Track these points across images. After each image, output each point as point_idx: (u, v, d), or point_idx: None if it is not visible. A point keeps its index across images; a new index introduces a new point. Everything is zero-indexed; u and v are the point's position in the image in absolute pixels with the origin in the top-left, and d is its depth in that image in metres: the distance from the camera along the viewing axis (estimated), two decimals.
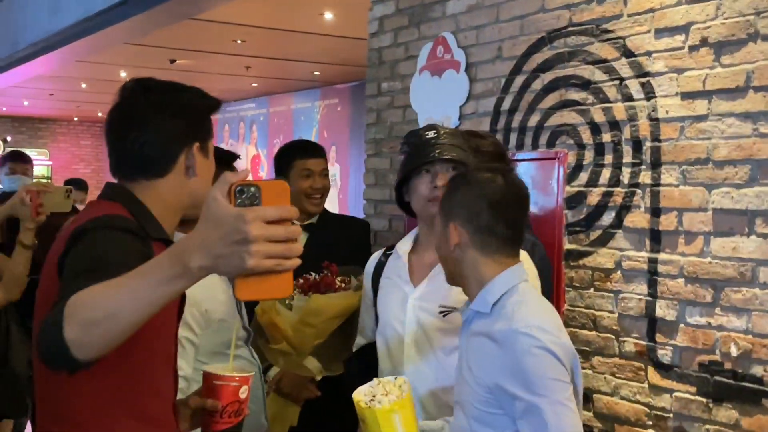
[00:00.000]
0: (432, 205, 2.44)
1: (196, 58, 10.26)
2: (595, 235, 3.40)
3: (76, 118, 19.72)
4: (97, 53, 9.86)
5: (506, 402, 1.91)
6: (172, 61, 10.26)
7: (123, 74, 11.77)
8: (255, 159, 14.54)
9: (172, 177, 1.82)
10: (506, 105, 3.84)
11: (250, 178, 1.29)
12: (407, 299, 2.48)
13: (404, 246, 2.59)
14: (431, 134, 2.49)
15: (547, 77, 3.63)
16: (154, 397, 1.75)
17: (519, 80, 3.77)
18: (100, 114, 18.69)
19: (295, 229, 1.26)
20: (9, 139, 15.66)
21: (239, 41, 9.20)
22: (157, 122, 1.80)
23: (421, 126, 4.23)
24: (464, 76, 4.07)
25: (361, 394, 2.00)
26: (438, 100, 4.21)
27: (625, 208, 3.28)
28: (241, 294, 1.27)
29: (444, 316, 2.29)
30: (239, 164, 2.73)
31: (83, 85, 13.42)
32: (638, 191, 3.23)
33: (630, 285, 3.25)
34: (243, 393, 1.91)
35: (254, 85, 12.82)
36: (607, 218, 3.35)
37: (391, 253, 2.63)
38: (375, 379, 2.04)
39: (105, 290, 1.32)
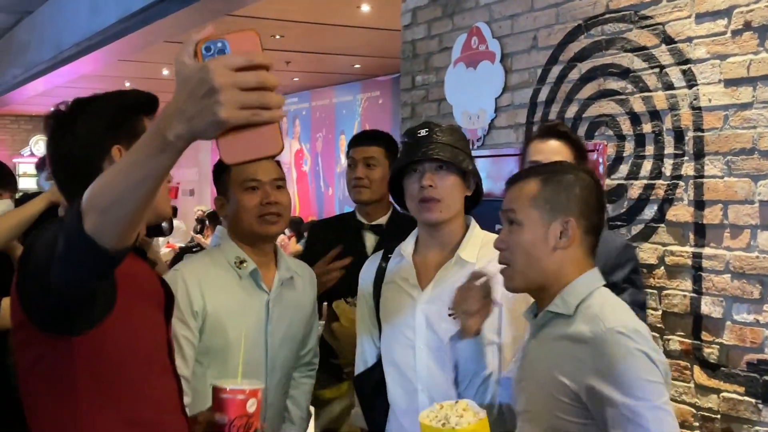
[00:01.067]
0: (423, 207, 2.34)
1: None
2: (636, 229, 3.28)
3: None
4: (138, 52, 9.90)
5: (597, 408, 1.77)
6: None
7: (165, 72, 11.83)
8: (298, 153, 14.53)
9: None
10: (543, 96, 3.73)
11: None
12: (416, 304, 2.37)
13: (407, 248, 2.46)
14: (423, 132, 2.38)
15: (585, 66, 3.51)
16: (142, 403, 1.70)
17: (555, 70, 3.66)
18: None
19: (269, 77, 1.16)
20: None
21: (278, 36, 9.16)
22: (79, 125, 1.74)
23: (457, 120, 4.16)
24: (499, 67, 3.96)
25: (428, 419, 1.83)
26: (473, 93, 4.11)
27: (667, 202, 3.16)
28: (227, 157, 1.18)
29: (454, 318, 2.18)
30: (283, 157, 2.66)
31: (127, 84, 13.49)
32: (681, 183, 3.11)
33: (674, 281, 3.13)
34: (251, 406, 1.83)
35: (295, 79, 12.80)
36: (649, 212, 3.23)
37: (391, 257, 2.51)
38: (435, 404, 1.88)
39: (105, 179, 1.32)
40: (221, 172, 2.58)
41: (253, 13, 7.97)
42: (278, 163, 2.60)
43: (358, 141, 3.43)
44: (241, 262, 2.51)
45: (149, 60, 10.88)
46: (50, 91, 13.19)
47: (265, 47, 1.20)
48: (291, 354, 2.63)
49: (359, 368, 2.54)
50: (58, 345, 1.59)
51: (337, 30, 9.00)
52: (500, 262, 1.95)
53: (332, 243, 3.09)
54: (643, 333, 1.78)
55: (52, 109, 1.81)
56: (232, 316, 2.45)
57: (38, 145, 15.54)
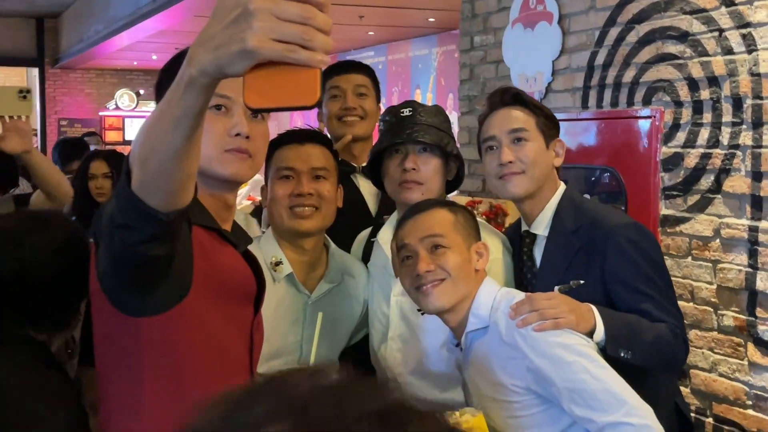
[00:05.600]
0: (403, 190, 2.27)
1: None
2: (692, 200, 3.16)
3: None
4: (214, 7, 9.96)
5: (546, 389, 1.85)
6: None
7: None
8: None
9: None
10: (600, 59, 3.60)
11: None
12: (391, 294, 2.31)
13: (385, 235, 2.34)
14: (407, 112, 2.29)
15: (643, 29, 3.37)
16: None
17: (613, 32, 3.53)
18: None
19: (317, 13, 0.98)
20: (142, 92, 16.09)
21: None
22: None
23: (514, 83, 4.06)
24: (557, 29, 3.84)
25: None
26: (531, 55, 4.00)
27: (724, 172, 3.03)
28: (250, 99, 1.00)
29: (422, 314, 2.13)
30: None
31: None
32: (738, 153, 2.97)
33: (729, 255, 3.01)
34: None
35: (370, 33, 12.69)
36: (705, 182, 3.11)
37: (375, 240, 2.42)
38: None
39: (142, 128, 1.22)
40: (268, 158, 2.26)
41: None
42: (331, 150, 2.34)
43: (343, 68, 2.99)
44: (277, 263, 2.25)
45: None
46: (133, 45, 13.40)
47: (338, 2, 1.09)
48: (331, 362, 2.38)
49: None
50: (125, 324, 1.50)
51: None
52: (431, 280, 1.97)
53: None
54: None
55: None
56: (266, 325, 2.16)
57: (123, 99, 15.79)
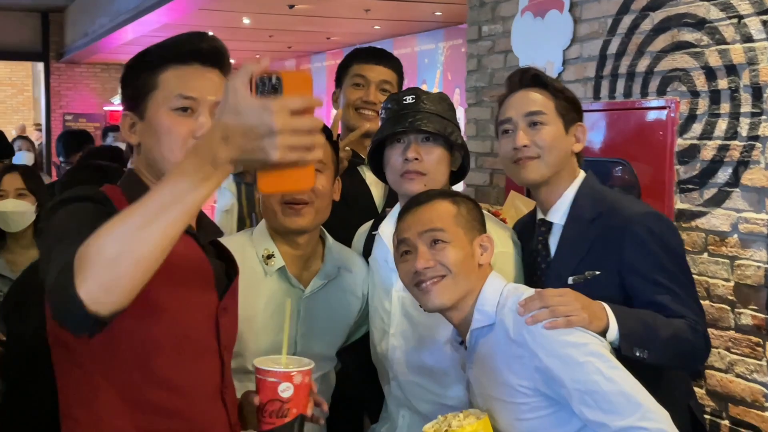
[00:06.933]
0: (405, 181, 2.18)
1: (315, 2, 10.11)
2: (709, 193, 3.05)
3: None
4: (218, 1, 9.88)
5: (554, 390, 1.76)
6: (291, 7, 10.16)
7: (246, 21, 11.77)
8: None
9: (135, 149, 1.71)
10: (613, 48, 3.49)
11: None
12: (393, 289, 2.22)
13: (387, 228, 2.26)
14: (410, 99, 2.20)
15: (658, 16, 3.25)
16: (160, 390, 1.60)
17: (627, 20, 3.41)
18: (233, 61, 18.91)
19: (318, 121, 1.24)
20: None
21: None
22: None
23: None
24: (568, 17, 3.73)
25: (432, 429, 1.79)
26: (541, 44, 3.89)
27: (742, 164, 2.92)
28: (264, 187, 1.28)
29: (424, 310, 2.04)
30: None
31: (210, 34, 13.53)
32: (758, 145, 2.86)
33: (747, 250, 2.90)
34: (285, 391, 1.66)
35: (376, 27, 12.59)
36: (723, 175, 2.99)
37: (376, 233, 2.34)
38: (439, 416, 1.82)
39: (119, 221, 1.26)
40: None
41: None
42: (331, 141, 2.27)
43: (372, 57, 2.92)
44: (269, 256, 2.18)
45: (228, 9, 10.85)
46: (137, 39, 13.31)
47: None
48: (322, 361, 2.25)
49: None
50: None
51: None
52: (431, 277, 1.88)
53: None
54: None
55: None
56: (257, 319, 2.15)
57: None
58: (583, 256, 2.09)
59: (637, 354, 1.92)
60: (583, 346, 1.75)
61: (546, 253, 2.18)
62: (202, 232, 1.72)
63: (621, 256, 2.04)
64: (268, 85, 1.24)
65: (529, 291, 1.88)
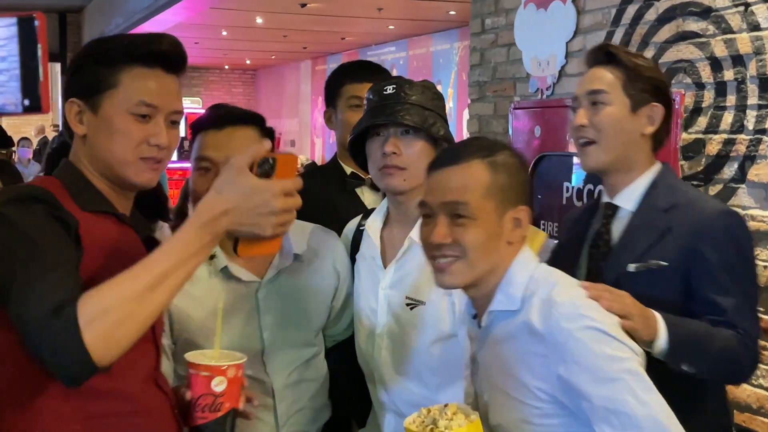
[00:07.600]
0: (384, 176, 2.07)
1: (327, 1, 10.07)
2: (714, 190, 2.93)
3: (226, 66, 20.07)
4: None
5: (574, 401, 1.58)
6: (303, 5, 10.12)
7: (259, 20, 11.75)
8: None
9: (78, 138, 1.66)
10: (617, 39, 3.38)
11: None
12: (379, 287, 2.12)
13: (374, 223, 2.18)
14: (390, 89, 2.09)
15: (662, 5, 3.14)
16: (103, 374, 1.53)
17: (631, 10, 3.30)
18: (248, 61, 18.93)
19: (298, 201, 1.43)
20: None
21: None
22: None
23: (525, 67, 3.84)
24: (571, 8, 3.62)
25: (414, 424, 1.62)
26: (543, 37, 3.78)
27: (749, 159, 2.80)
28: (242, 252, 1.45)
29: (411, 309, 1.92)
30: None
31: (224, 33, 13.52)
32: (765, 139, 2.76)
33: (755, 249, 2.76)
34: (218, 385, 1.64)
35: (391, 27, 12.53)
36: (729, 171, 2.87)
37: (364, 227, 2.24)
38: (422, 408, 1.65)
39: (126, 285, 1.37)
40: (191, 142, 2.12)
41: None
42: (263, 130, 2.12)
43: (364, 76, 2.73)
44: (211, 257, 2.05)
45: (241, 8, 10.82)
46: None
47: None
48: (298, 349, 2.18)
49: None
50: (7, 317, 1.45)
51: None
52: (445, 255, 1.68)
53: (319, 199, 2.40)
54: (593, 306, 1.62)
55: None
56: (211, 320, 1.97)
57: None
58: (649, 245, 1.99)
59: (684, 368, 1.85)
60: (620, 361, 1.56)
61: (609, 238, 2.08)
62: (139, 224, 1.72)
63: (692, 249, 1.94)
64: (266, 166, 1.41)
65: (565, 280, 1.70)
